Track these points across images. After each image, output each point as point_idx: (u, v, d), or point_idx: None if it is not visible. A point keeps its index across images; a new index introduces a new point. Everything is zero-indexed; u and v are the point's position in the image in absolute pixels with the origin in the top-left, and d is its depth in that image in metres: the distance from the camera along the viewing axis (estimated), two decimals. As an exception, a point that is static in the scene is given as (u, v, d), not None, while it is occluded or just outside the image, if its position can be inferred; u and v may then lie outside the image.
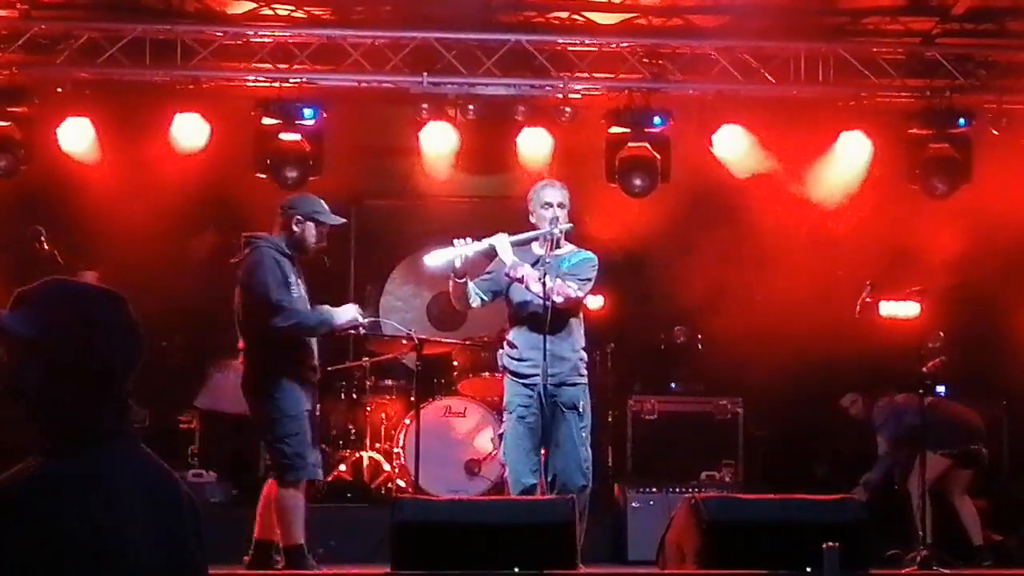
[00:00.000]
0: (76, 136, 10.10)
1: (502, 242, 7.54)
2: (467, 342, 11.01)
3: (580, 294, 7.59)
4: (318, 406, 7.91)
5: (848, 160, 10.49)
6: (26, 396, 2.58)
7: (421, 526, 6.84)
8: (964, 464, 9.80)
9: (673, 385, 11.50)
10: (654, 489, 9.88)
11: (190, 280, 11.21)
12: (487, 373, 10.67)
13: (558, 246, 7.61)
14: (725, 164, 10.56)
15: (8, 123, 9.92)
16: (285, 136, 10.17)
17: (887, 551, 8.98)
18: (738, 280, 11.05)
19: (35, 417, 2.59)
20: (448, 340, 11.09)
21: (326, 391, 9.73)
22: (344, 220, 7.95)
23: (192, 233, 11.50)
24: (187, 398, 11.17)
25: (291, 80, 10.16)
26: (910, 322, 9.41)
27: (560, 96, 10.37)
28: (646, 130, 10.31)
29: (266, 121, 10.16)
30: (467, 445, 10.38)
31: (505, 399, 7.73)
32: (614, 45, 10.20)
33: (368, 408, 10.75)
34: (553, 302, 7.35)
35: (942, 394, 10.14)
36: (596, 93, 10.53)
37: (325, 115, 10.20)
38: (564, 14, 10.22)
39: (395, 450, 10.43)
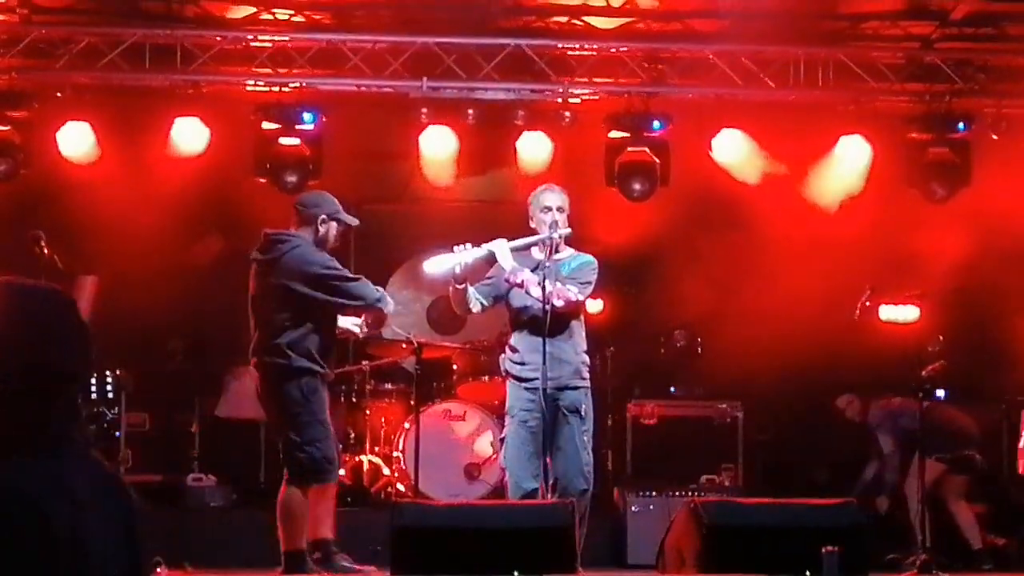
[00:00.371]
0: (76, 140, 10.10)
1: (501, 247, 7.55)
2: (466, 346, 11.03)
3: (580, 297, 7.60)
4: None
5: (847, 164, 10.49)
6: None
7: (421, 530, 6.84)
8: (959, 470, 9.81)
9: (673, 389, 11.49)
10: (654, 493, 9.88)
11: (190, 284, 11.23)
12: (487, 377, 10.67)
13: (557, 250, 7.62)
14: (724, 168, 10.57)
15: (8, 127, 9.92)
16: (285, 140, 10.17)
17: (886, 555, 8.98)
18: (737, 284, 11.05)
19: None
20: (448, 344, 11.10)
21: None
22: (358, 221, 7.96)
23: (192, 237, 11.51)
24: (188, 402, 11.19)
25: (291, 84, 10.17)
26: (910, 326, 9.41)
27: (560, 100, 10.38)
28: (645, 134, 10.31)
29: (266, 125, 10.17)
30: (467, 449, 10.38)
31: (507, 403, 7.74)
32: (613, 49, 10.21)
33: (368, 412, 10.75)
34: (553, 305, 7.37)
35: (941, 398, 10.14)
36: (595, 97, 10.54)
37: (325, 119, 10.21)
38: (563, 18, 10.23)
39: (395, 454, 10.43)
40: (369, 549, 7.98)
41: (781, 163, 10.54)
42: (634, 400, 11.06)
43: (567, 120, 10.31)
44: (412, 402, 10.29)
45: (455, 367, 11.04)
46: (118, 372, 10.90)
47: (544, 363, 7.35)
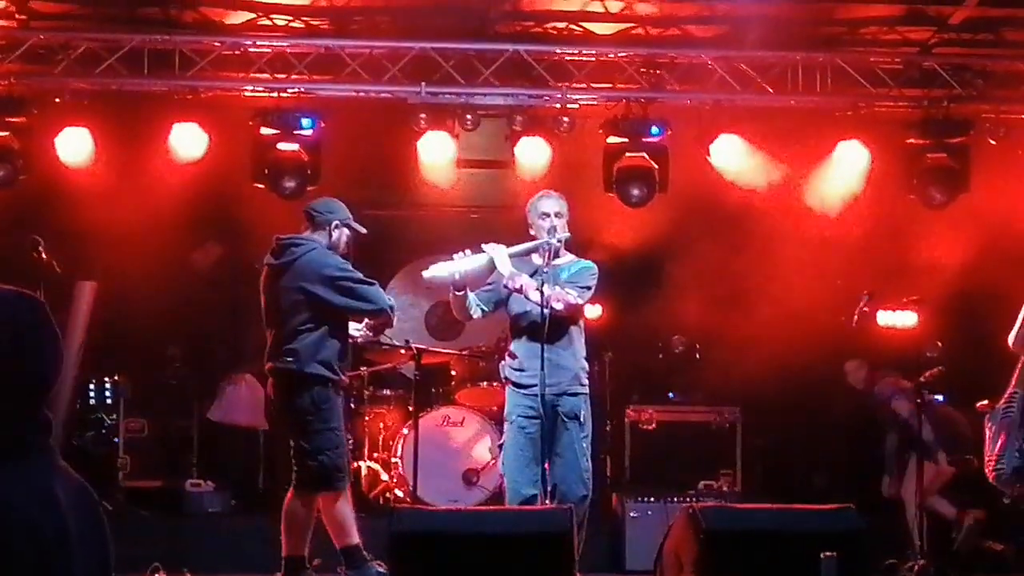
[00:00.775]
0: (74, 146, 10.10)
1: (500, 253, 7.55)
2: (465, 352, 11.03)
3: (580, 301, 7.60)
4: None
5: (846, 170, 10.50)
6: None
7: (419, 536, 6.83)
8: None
9: (671, 395, 11.52)
10: (652, 498, 9.87)
11: (188, 290, 11.24)
12: (485, 383, 10.69)
13: (557, 256, 7.63)
14: (723, 174, 10.57)
15: (7, 133, 9.92)
16: (283, 146, 10.17)
17: (884, 561, 8.98)
18: (736, 290, 11.05)
19: None
20: (446, 350, 11.10)
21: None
22: (366, 230, 7.97)
23: (191, 243, 11.52)
24: (186, 407, 11.20)
25: (289, 90, 10.16)
26: (908, 332, 9.42)
27: (558, 106, 10.38)
28: (644, 140, 10.32)
29: (264, 131, 10.17)
30: (465, 455, 10.39)
31: (506, 409, 7.75)
32: (612, 55, 10.21)
33: (366, 418, 10.75)
34: (553, 309, 7.37)
35: (940, 402, 10.14)
36: (594, 103, 10.54)
37: (323, 125, 10.20)
38: (562, 24, 10.24)
39: (393, 460, 10.43)
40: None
41: (779, 169, 10.54)
42: (632, 405, 11.07)
43: (565, 126, 10.31)
44: (411, 408, 10.29)
45: (454, 373, 11.05)
46: (117, 378, 10.91)
47: (543, 369, 7.35)
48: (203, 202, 10.57)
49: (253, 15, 10.08)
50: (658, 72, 10.32)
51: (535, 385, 7.44)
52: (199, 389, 11.27)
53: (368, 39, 10.10)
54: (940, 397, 10.17)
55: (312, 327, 7.49)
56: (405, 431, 10.35)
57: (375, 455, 10.67)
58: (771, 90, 10.15)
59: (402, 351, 10.28)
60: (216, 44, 9.99)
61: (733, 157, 10.51)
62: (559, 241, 7.59)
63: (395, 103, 10.33)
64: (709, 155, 10.49)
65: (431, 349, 10.70)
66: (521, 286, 7.47)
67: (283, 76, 10.11)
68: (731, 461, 10.84)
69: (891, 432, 10.34)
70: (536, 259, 7.62)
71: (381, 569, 7.53)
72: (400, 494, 10.29)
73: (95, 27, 9.99)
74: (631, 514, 9.82)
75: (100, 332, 10.18)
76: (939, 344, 9.84)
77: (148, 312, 10.69)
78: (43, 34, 9.89)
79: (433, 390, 10.90)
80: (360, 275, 7.62)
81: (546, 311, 7.34)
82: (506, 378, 7.76)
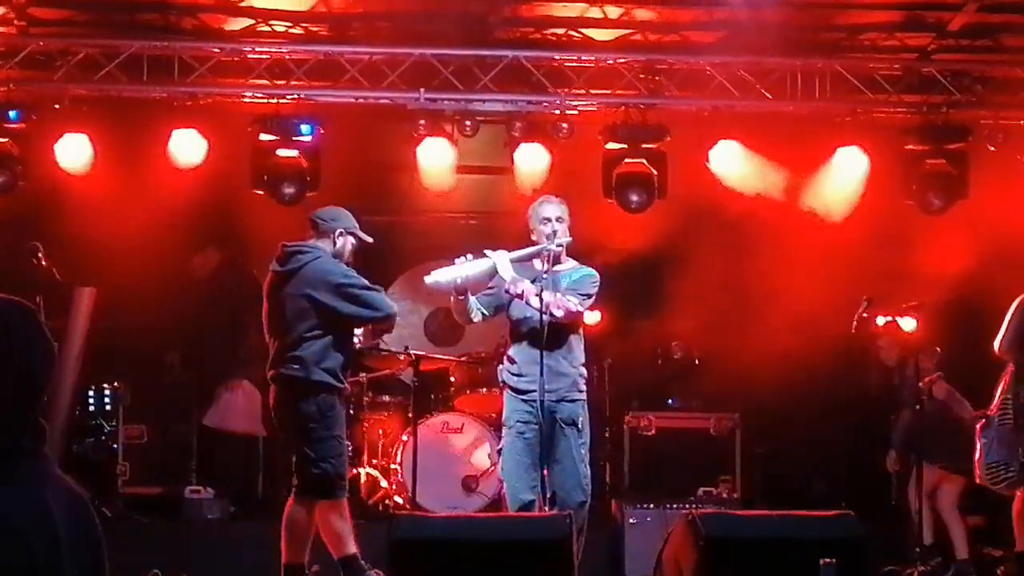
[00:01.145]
0: (74, 152, 10.09)
1: (501, 259, 7.56)
2: (464, 358, 11.02)
3: (580, 308, 7.60)
4: None
5: (845, 175, 10.50)
6: None
7: (419, 543, 6.82)
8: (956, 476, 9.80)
9: (670, 401, 11.51)
10: (651, 505, 9.86)
11: (188, 296, 11.23)
12: (484, 389, 10.67)
13: (559, 261, 7.63)
14: (722, 180, 10.57)
15: (6, 139, 9.92)
16: (282, 152, 10.16)
17: (884, 567, 8.97)
18: (735, 296, 11.05)
19: None
20: (445, 356, 11.10)
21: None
22: (372, 239, 7.97)
23: (190, 249, 11.52)
24: (185, 414, 11.19)
25: (288, 96, 10.17)
26: (907, 337, 9.41)
27: (557, 112, 10.39)
28: (643, 146, 10.32)
29: (263, 137, 10.17)
30: (464, 461, 10.38)
31: (504, 414, 7.74)
32: (611, 61, 10.22)
33: (365, 424, 10.74)
34: (553, 316, 7.37)
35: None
36: (593, 109, 10.55)
37: (322, 131, 10.20)
38: (561, 30, 10.25)
39: (392, 466, 10.43)
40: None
41: (778, 174, 10.54)
42: (632, 412, 11.07)
43: (564, 132, 10.31)
44: (410, 414, 10.29)
45: (453, 379, 11.04)
46: (116, 384, 10.90)
47: (541, 375, 7.35)
48: (202, 208, 10.57)
49: (252, 21, 10.09)
50: (657, 78, 10.32)
51: (534, 391, 7.44)
52: (198, 395, 11.26)
53: (367, 45, 10.11)
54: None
55: (318, 335, 7.49)
56: (404, 437, 10.35)
57: (374, 462, 10.66)
58: (770, 96, 10.15)
59: (401, 357, 10.28)
60: (215, 50, 9.99)
61: (732, 163, 10.51)
62: (559, 246, 7.59)
63: (394, 109, 10.33)
64: (708, 161, 10.50)
65: (430, 355, 10.69)
66: (522, 291, 7.47)
67: (282, 82, 10.12)
68: (730, 468, 10.83)
69: (907, 409, 10.23)
70: (537, 264, 7.62)
71: None
72: (399, 501, 10.28)
73: (94, 33, 10.00)
74: (630, 520, 9.81)
75: (99, 338, 10.19)
76: (938, 350, 9.84)
77: (147, 318, 10.68)
78: (42, 40, 9.90)
79: (432, 396, 10.89)
80: (365, 281, 7.62)
81: (546, 317, 7.35)
82: (504, 382, 7.76)
